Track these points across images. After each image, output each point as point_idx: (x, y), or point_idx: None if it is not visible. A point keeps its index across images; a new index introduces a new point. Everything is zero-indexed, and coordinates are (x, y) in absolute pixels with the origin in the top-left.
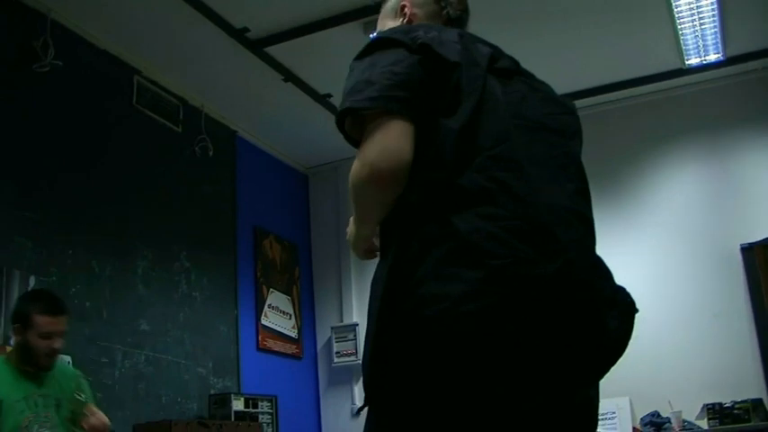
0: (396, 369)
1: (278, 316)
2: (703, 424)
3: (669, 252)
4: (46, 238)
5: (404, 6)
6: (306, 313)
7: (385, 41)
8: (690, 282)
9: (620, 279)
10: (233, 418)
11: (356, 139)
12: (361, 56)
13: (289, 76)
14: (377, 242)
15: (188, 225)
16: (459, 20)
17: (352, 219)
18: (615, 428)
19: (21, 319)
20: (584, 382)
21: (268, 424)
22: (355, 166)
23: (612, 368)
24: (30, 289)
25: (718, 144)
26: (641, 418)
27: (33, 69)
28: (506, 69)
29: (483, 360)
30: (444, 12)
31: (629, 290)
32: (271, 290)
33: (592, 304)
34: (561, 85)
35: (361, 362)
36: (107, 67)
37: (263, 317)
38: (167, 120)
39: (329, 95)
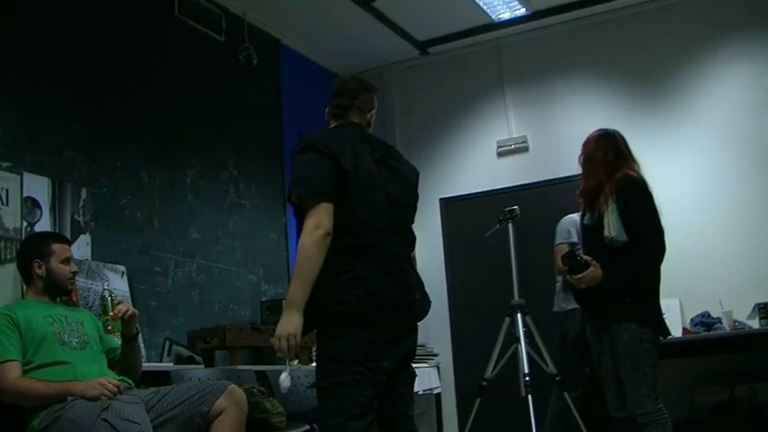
0: (322, 331)
1: None
2: (755, 323)
3: (721, 150)
4: (95, 150)
5: (327, 112)
6: None
7: (313, 147)
8: (741, 180)
9: (670, 178)
10: None
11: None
12: (300, 153)
13: None
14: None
15: (235, 134)
16: (349, 108)
17: (283, 318)
18: None
19: (39, 254)
20: (408, 334)
21: None
22: (303, 234)
23: (663, 268)
24: (81, 201)
25: None
26: (691, 319)
27: None
28: (380, 158)
29: (364, 326)
30: (349, 105)
31: (678, 188)
32: None
33: (408, 307)
34: None
35: None
36: None
37: None
38: (210, 29)
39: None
